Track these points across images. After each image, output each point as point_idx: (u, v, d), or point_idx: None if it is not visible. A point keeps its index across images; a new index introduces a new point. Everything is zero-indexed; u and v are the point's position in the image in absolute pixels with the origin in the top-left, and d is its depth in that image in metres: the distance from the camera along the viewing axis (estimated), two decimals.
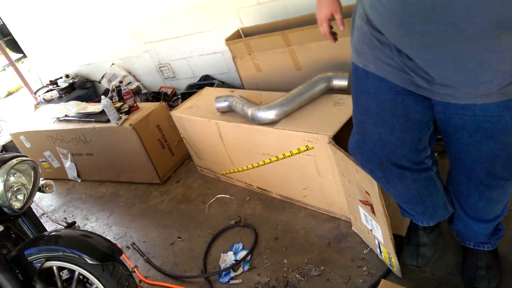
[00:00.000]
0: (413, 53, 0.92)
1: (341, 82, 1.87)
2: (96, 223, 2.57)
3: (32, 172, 1.58)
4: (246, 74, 2.40)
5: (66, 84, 4.05)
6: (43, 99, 4.03)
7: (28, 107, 4.58)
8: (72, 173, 3.13)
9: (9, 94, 7.16)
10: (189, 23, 3.20)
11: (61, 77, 4.14)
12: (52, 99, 3.99)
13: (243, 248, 1.95)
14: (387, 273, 1.58)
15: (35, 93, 4.27)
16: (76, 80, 4.04)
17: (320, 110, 1.81)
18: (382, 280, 1.40)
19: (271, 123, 1.84)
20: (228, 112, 2.11)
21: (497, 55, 0.81)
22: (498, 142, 1.02)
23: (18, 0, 3.95)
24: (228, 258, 1.92)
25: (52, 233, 1.60)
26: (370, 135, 1.14)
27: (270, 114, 1.82)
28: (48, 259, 1.46)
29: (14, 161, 1.50)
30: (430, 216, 1.37)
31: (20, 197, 1.53)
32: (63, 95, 3.99)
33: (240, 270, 1.83)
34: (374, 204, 1.39)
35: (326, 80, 1.87)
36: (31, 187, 1.57)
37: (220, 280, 1.81)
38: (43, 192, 1.72)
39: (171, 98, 3.61)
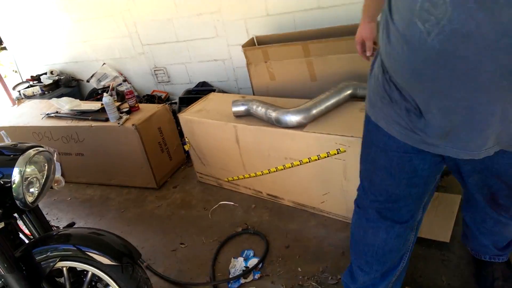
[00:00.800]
0: (424, 101, 0.88)
1: (365, 92, 1.92)
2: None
3: (47, 164, 1.47)
4: (258, 82, 2.41)
5: (50, 81, 3.84)
6: (24, 94, 3.80)
7: (2, 102, 4.28)
8: (56, 173, 2.93)
9: None
10: (192, 29, 3.17)
11: (45, 73, 3.93)
12: (34, 95, 3.77)
13: (253, 256, 1.90)
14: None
15: (13, 88, 4.00)
16: (62, 78, 3.85)
17: (348, 115, 1.85)
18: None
19: (298, 126, 1.85)
20: (245, 116, 2.09)
21: (510, 106, 0.77)
22: (504, 181, 1.06)
23: None
24: (238, 264, 1.86)
25: (61, 232, 1.48)
26: (377, 184, 1.17)
27: (298, 118, 1.83)
28: (62, 258, 1.35)
29: (32, 151, 1.39)
30: None
31: (33, 190, 1.41)
32: (46, 92, 3.78)
33: (250, 278, 1.78)
34: None
35: (352, 87, 1.92)
36: (43, 180, 1.46)
37: (230, 286, 1.75)
38: (51, 187, 1.60)
39: (165, 102, 3.53)
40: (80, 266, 1.36)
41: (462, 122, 0.84)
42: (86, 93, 3.94)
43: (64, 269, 1.39)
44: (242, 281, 1.77)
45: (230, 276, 1.80)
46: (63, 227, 2.08)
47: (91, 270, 1.36)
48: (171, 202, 2.47)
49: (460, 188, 1.98)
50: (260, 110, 1.95)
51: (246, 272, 1.79)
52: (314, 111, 1.82)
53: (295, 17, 2.77)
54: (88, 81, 3.76)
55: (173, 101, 3.46)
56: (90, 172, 2.81)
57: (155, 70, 3.59)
